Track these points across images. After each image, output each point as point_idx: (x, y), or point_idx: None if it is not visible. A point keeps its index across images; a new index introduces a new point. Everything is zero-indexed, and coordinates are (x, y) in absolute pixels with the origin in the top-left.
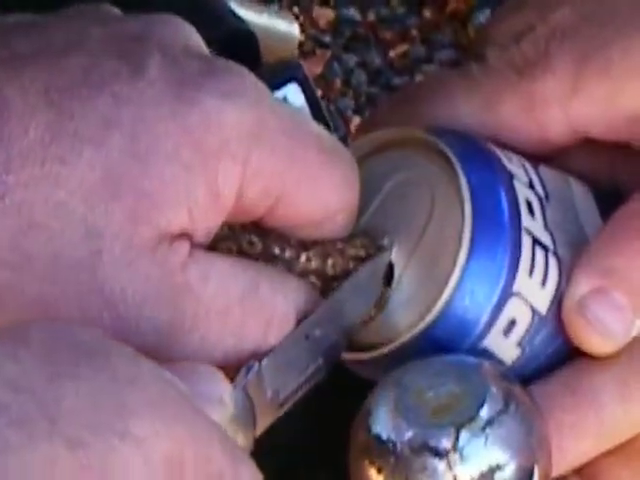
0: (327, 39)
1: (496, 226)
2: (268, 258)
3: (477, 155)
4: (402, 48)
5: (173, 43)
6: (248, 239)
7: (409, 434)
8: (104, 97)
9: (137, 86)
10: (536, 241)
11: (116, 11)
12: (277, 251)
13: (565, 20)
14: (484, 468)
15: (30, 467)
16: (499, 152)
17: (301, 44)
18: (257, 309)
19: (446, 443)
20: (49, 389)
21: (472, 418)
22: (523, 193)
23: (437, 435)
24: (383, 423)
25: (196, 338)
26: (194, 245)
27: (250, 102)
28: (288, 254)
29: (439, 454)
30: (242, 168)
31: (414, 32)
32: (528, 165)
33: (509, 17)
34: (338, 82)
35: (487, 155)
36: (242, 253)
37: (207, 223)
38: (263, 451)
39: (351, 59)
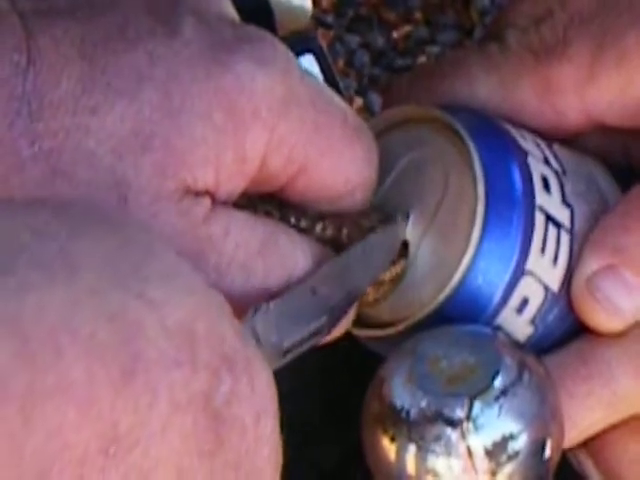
0: (330, 19)
1: (509, 205)
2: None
3: (491, 134)
4: (405, 29)
5: (207, 9)
6: (265, 209)
7: (423, 403)
8: (139, 53)
9: (172, 45)
10: (549, 218)
11: None
12: (293, 220)
13: (583, 7)
14: (497, 438)
15: (48, 308)
16: (514, 131)
17: None
18: (279, 262)
19: (460, 412)
20: (69, 240)
21: (486, 388)
22: (538, 169)
23: (451, 404)
24: (397, 392)
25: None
26: (216, 203)
27: (281, 71)
28: (304, 224)
29: (452, 423)
30: (269, 135)
31: (417, 14)
32: (542, 142)
33: (528, 1)
34: (341, 63)
35: (501, 134)
36: None
37: (230, 185)
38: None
39: (354, 40)
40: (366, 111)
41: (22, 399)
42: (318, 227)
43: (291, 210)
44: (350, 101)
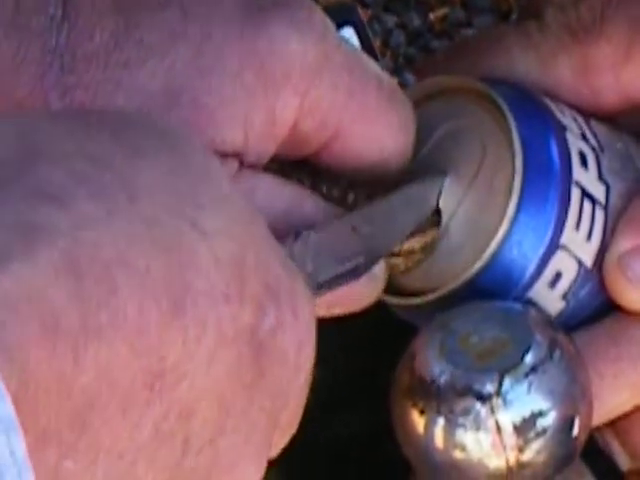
0: None
1: (546, 179)
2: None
3: (530, 107)
4: (442, 11)
5: None
6: (297, 177)
7: (453, 377)
8: (173, 10)
9: (207, 3)
10: (585, 193)
11: None
12: (325, 189)
13: None
14: (526, 414)
15: (104, 244)
16: (553, 105)
17: None
18: (301, 223)
19: (489, 387)
20: (127, 165)
21: (516, 364)
22: (576, 145)
23: (481, 379)
24: (428, 365)
25: None
26: (243, 165)
27: (316, 36)
28: (335, 193)
29: (482, 398)
30: (301, 99)
31: None
32: (581, 119)
33: None
34: (377, 42)
35: (540, 107)
36: None
37: (259, 148)
38: None
39: (390, 19)
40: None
41: (74, 338)
42: (350, 197)
43: (323, 179)
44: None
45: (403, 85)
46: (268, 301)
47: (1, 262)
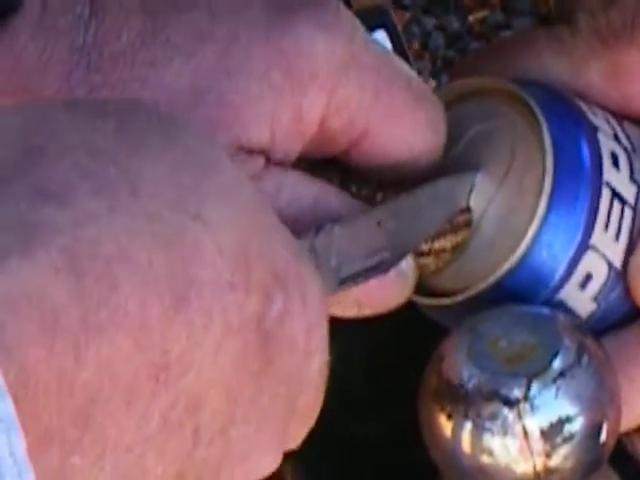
0: (407, 1)
1: (577, 179)
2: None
3: (561, 107)
4: (481, 13)
5: None
6: (326, 175)
7: (481, 381)
8: (200, 11)
9: (234, 4)
10: (615, 194)
11: None
12: (354, 189)
13: None
14: (553, 419)
15: (105, 241)
16: (584, 106)
17: None
18: (328, 217)
19: (517, 392)
20: (131, 159)
21: (544, 369)
22: (607, 146)
23: (509, 384)
24: (455, 369)
25: None
26: (270, 162)
27: (343, 35)
28: (364, 192)
29: (510, 403)
30: (328, 98)
31: None
32: (612, 119)
33: None
34: (416, 44)
35: (571, 108)
36: None
37: (286, 145)
38: None
39: (430, 22)
40: None
41: (75, 335)
42: (378, 197)
43: (352, 178)
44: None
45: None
46: (275, 288)
47: (0, 261)
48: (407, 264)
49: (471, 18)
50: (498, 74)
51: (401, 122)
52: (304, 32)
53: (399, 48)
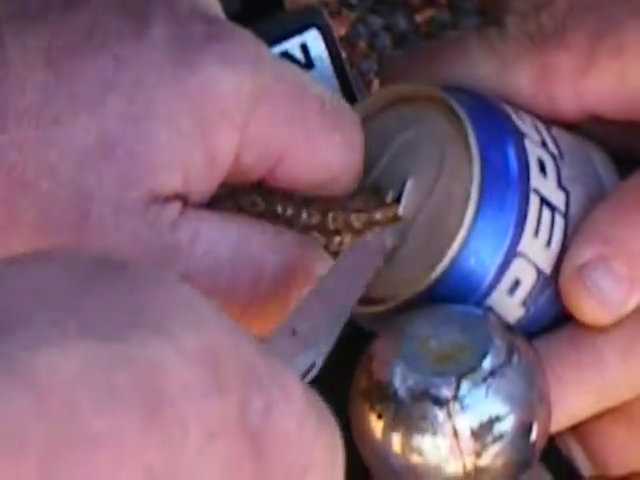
0: (353, 1)
1: (504, 186)
2: (270, 216)
3: (488, 114)
4: (428, 13)
5: (180, 1)
6: (250, 199)
7: (410, 381)
8: (105, 58)
9: (139, 48)
10: (544, 201)
11: None
12: (280, 209)
13: None
14: (483, 419)
15: (62, 362)
16: (512, 112)
17: (326, 4)
18: (247, 266)
19: (447, 392)
20: (81, 296)
21: (474, 368)
22: (535, 152)
23: (438, 383)
24: (385, 369)
25: None
26: (188, 205)
27: (251, 68)
28: (290, 212)
29: (439, 402)
30: (240, 134)
31: None
32: (541, 126)
33: None
34: (362, 44)
35: (498, 114)
36: (244, 212)
37: (202, 186)
38: None
39: (377, 22)
40: None
41: (41, 453)
42: (304, 214)
43: (277, 198)
44: (369, 84)
45: None
46: (250, 387)
47: None
48: None
49: (418, 18)
50: (428, 76)
51: (316, 146)
52: (210, 71)
53: (332, 48)
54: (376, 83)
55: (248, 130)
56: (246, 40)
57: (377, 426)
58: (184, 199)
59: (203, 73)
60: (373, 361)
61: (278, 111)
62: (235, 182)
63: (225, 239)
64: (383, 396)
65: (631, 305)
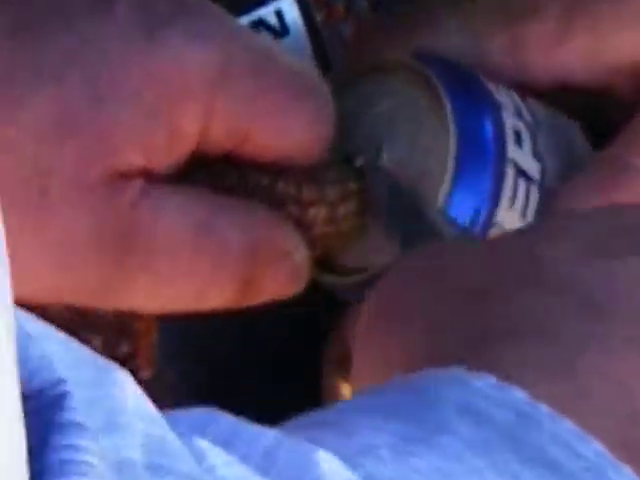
0: None
1: (480, 157)
2: (243, 188)
3: (464, 85)
4: None
5: None
6: (223, 170)
7: None
8: (69, 34)
9: (104, 24)
10: (520, 171)
11: None
12: (253, 181)
13: None
14: None
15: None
16: (488, 83)
17: None
18: (209, 248)
19: None
20: None
21: None
22: (511, 123)
23: None
24: None
25: (146, 277)
26: (152, 180)
27: (218, 42)
28: (265, 182)
29: None
30: (205, 110)
31: None
32: (516, 96)
33: None
34: (340, 8)
35: (475, 85)
36: (216, 184)
37: (166, 162)
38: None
39: None
40: None
41: None
42: (279, 185)
43: (250, 170)
44: (347, 46)
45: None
46: None
47: None
48: (301, 257)
49: None
50: (401, 47)
51: (285, 120)
52: (176, 46)
53: (307, 15)
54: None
55: (213, 106)
56: (213, 14)
57: (349, 396)
58: (148, 174)
59: (168, 49)
60: (346, 330)
61: (245, 86)
62: (202, 157)
63: (187, 219)
64: None
65: None
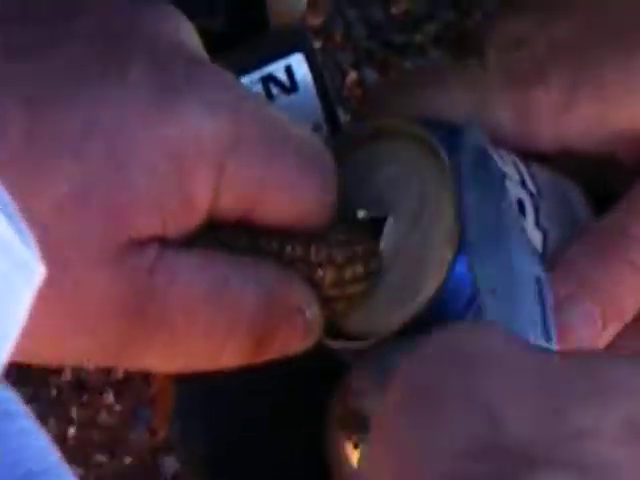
0: None
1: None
2: (253, 250)
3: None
4: (404, 5)
5: (160, 39)
6: (233, 234)
7: None
8: (85, 103)
9: (119, 90)
10: None
11: None
12: (263, 242)
13: (565, 34)
14: None
15: None
16: (492, 150)
17: None
18: (226, 305)
19: None
20: None
21: None
22: (514, 192)
23: None
24: (362, 399)
25: (162, 339)
26: (166, 244)
27: (230, 111)
28: (274, 246)
29: None
30: (218, 177)
31: None
32: (520, 163)
33: (512, 20)
34: (338, 35)
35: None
36: (226, 247)
37: (180, 228)
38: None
39: (352, 13)
40: (360, 85)
41: None
42: (288, 248)
43: (260, 232)
44: (345, 75)
45: (363, 80)
46: None
47: None
48: (313, 314)
49: (394, 9)
50: (406, 109)
51: (293, 187)
52: (189, 114)
53: (316, 71)
54: (352, 74)
55: (225, 173)
56: (227, 82)
57: (353, 455)
58: (162, 240)
59: (182, 117)
60: (349, 390)
61: (255, 154)
62: (213, 223)
63: (202, 279)
64: (360, 426)
65: (603, 343)
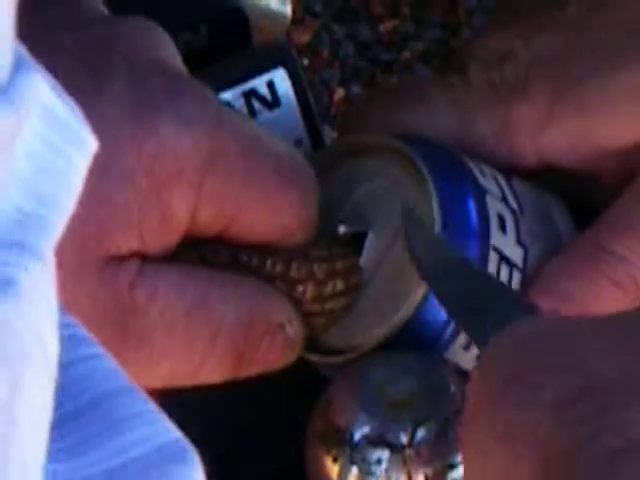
0: (317, 8)
1: (464, 244)
2: (234, 266)
3: (450, 170)
4: (392, 23)
5: (140, 55)
6: (214, 249)
7: (367, 426)
8: None
9: (99, 104)
10: (503, 258)
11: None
12: (244, 258)
13: (548, 49)
14: (438, 466)
15: None
16: (473, 166)
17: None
18: (206, 321)
19: (403, 438)
20: None
21: (430, 416)
22: (495, 208)
23: (395, 430)
24: (342, 413)
25: (142, 355)
26: (147, 260)
27: (209, 128)
28: (255, 261)
29: (395, 448)
30: (196, 193)
31: (405, 9)
32: (501, 178)
33: (494, 36)
34: (325, 53)
35: (460, 170)
36: (207, 262)
37: (159, 244)
38: (206, 437)
39: (340, 30)
40: (347, 103)
41: None
42: (268, 264)
43: (241, 248)
44: (332, 92)
45: (350, 98)
46: None
47: None
48: (293, 329)
49: (382, 27)
50: (387, 123)
51: (273, 203)
52: (168, 131)
53: (299, 86)
54: (339, 92)
55: (204, 188)
56: (206, 97)
57: (333, 470)
58: (143, 255)
59: (161, 133)
60: (331, 405)
61: (234, 169)
62: (192, 238)
63: (183, 295)
64: (339, 440)
65: None
